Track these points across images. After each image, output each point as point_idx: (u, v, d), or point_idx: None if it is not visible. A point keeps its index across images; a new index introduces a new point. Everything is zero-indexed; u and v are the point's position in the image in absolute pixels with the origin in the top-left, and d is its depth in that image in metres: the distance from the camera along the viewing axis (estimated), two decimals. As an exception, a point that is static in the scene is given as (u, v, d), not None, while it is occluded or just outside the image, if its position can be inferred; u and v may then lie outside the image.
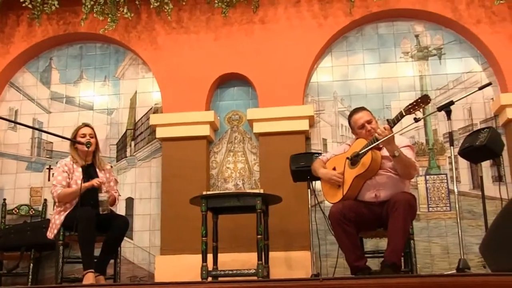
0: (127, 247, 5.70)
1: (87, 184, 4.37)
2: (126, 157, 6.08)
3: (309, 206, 5.14)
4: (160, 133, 5.89)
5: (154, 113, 6.09)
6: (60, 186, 4.41)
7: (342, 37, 6.05)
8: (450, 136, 4.00)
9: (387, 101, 5.84)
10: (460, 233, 3.82)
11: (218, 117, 6.01)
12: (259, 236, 4.46)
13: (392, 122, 3.90)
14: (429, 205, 5.58)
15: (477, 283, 2.52)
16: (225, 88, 6.13)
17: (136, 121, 6.16)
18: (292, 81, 5.81)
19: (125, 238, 4.78)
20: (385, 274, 3.59)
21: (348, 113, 4.60)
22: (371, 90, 5.90)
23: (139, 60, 6.24)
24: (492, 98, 5.69)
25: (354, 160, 4.01)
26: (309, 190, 5.05)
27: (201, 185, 5.58)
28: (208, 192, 4.98)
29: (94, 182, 4.40)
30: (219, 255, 4.85)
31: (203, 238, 4.51)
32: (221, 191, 5.60)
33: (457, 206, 3.89)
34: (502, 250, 2.78)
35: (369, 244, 4.99)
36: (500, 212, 2.99)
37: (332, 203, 4.08)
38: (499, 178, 5.42)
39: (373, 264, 4.26)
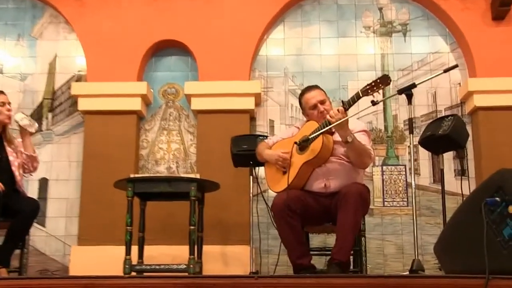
0: (37, 236, 5.61)
1: None
2: (42, 131, 5.94)
3: (251, 195, 5.16)
4: (83, 105, 5.80)
5: (76, 81, 5.99)
6: None
7: (297, 5, 6.07)
8: (410, 122, 4.03)
9: (344, 80, 5.91)
10: (415, 231, 3.89)
11: (152, 90, 5.96)
12: (192, 227, 4.45)
13: (347, 104, 3.92)
14: (385, 199, 5.70)
15: (428, 285, 2.59)
16: (161, 57, 6.08)
17: (55, 89, 6.05)
18: (238, 52, 5.81)
19: (35, 225, 4.71)
20: (330, 273, 3.63)
21: (299, 92, 4.61)
22: (327, 68, 5.96)
23: (60, 18, 6.09)
24: (459, 83, 5.83)
25: (303, 145, 4.02)
26: (251, 177, 5.08)
27: (128, 167, 5.54)
28: (136, 175, 4.96)
29: None
30: (146, 247, 4.84)
31: (128, 228, 4.48)
32: (151, 175, 5.58)
33: (413, 201, 3.96)
34: (456, 251, 2.87)
35: (316, 240, 5.06)
36: (456, 210, 3.08)
37: (275, 192, 4.09)
38: (461, 172, 5.54)
39: (319, 262, 4.32)
